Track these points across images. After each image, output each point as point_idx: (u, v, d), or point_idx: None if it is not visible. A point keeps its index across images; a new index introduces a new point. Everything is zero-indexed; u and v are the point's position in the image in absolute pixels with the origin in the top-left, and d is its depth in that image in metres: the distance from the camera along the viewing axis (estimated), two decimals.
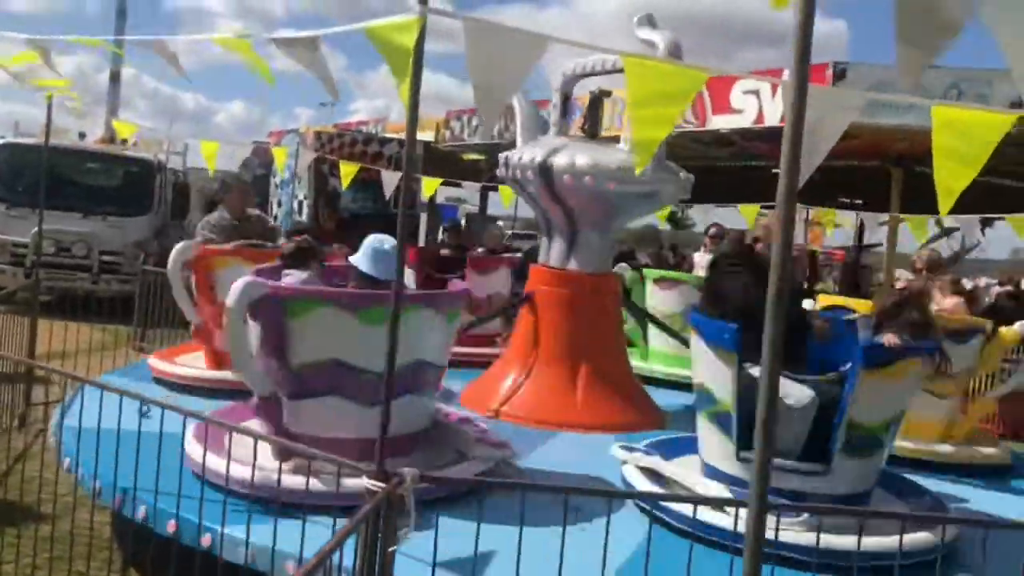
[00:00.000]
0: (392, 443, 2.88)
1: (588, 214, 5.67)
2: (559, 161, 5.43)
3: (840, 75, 8.78)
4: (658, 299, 7.39)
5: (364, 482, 2.71)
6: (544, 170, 5.50)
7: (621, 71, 5.82)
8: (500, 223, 27.97)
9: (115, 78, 23.19)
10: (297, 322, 3.72)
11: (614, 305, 6.06)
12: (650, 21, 5.52)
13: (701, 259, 9.13)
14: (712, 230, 9.70)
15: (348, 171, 8.89)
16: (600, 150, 5.56)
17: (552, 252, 5.94)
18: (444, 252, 8.98)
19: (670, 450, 4.37)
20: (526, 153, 5.67)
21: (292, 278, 4.32)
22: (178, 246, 6.09)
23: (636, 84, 2.69)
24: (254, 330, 3.83)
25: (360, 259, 4.11)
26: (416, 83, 2.75)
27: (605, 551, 2.64)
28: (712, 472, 3.95)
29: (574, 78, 6.09)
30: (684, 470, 4.10)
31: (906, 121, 8.18)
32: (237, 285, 3.69)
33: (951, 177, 2.49)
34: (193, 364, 5.89)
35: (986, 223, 11.63)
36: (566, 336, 5.68)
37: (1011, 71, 2.19)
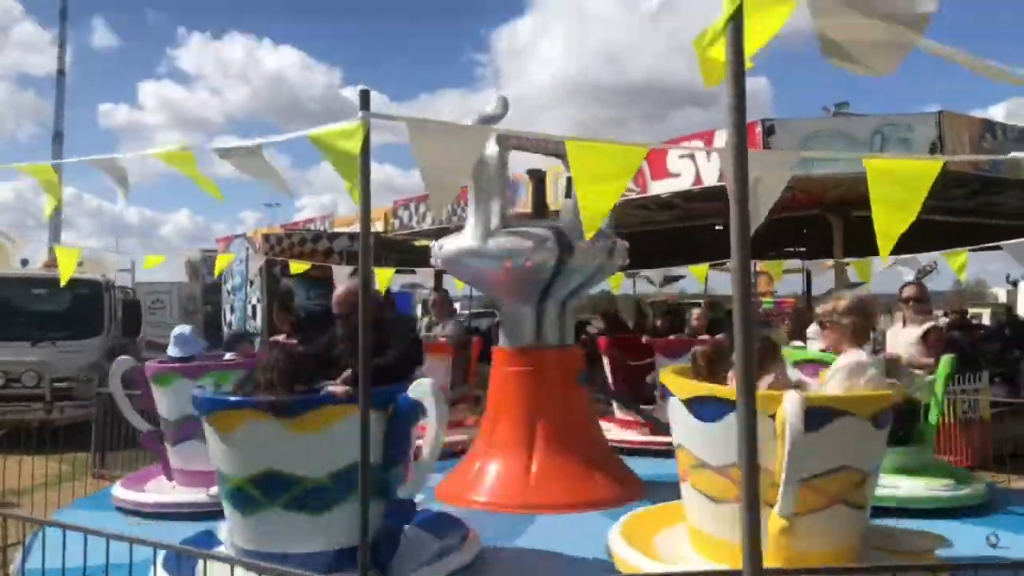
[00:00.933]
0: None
1: (524, 291, 5.78)
2: (489, 245, 5.60)
3: (769, 131, 9.10)
4: None
5: None
6: (478, 254, 5.65)
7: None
8: (456, 304, 28.01)
9: (56, 210, 22.94)
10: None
11: (573, 375, 6.06)
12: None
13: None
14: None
15: (297, 267, 8.90)
16: (531, 230, 5.67)
17: (503, 331, 6.03)
18: None
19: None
20: (448, 243, 5.87)
21: None
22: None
23: (579, 163, 2.78)
24: None
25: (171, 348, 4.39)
26: (366, 184, 2.80)
27: None
28: None
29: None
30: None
31: (837, 170, 8.50)
32: None
33: (888, 223, 2.60)
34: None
35: None
36: (521, 414, 5.70)
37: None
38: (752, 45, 1.86)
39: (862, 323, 4.09)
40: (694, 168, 9.80)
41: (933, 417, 5.45)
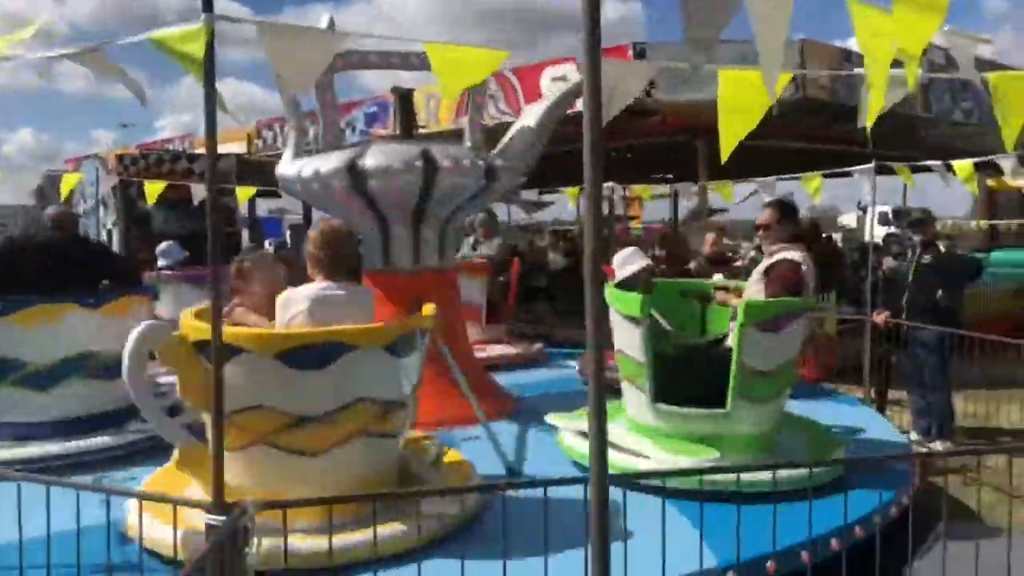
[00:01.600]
0: None
1: (399, 212, 5.63)
2: (365, 162, 5.37)
3: (640, 54, 9.18)
4: None
5: (204, 518, 2.56)
6: (352, 172, 5.40)
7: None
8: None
9: None
10: None
11: (453, 298, 6.02)
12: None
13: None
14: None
15: (153, 189, 8.41)
16: (408, 147, 5.53)
17: (376, 255, 5.87)
18: None
19: None
20: (331, 161, 5.55)
21: None
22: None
23: (439, 64, 2.74)
24: None
25: None
26: (210, 92, 2.61)
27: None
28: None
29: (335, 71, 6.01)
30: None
31: (704, 96, 8.67)
32: None
33: (733, 130, 2.70)
34: None
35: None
36: None
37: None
38: None
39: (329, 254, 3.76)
40: None
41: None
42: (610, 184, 10.94)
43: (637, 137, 11.48)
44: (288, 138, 6.13)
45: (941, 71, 8.12)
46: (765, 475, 3.59)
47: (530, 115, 6.09)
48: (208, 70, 2.59)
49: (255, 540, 2.55)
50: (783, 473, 3.66)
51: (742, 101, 2.90)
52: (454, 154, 5.55)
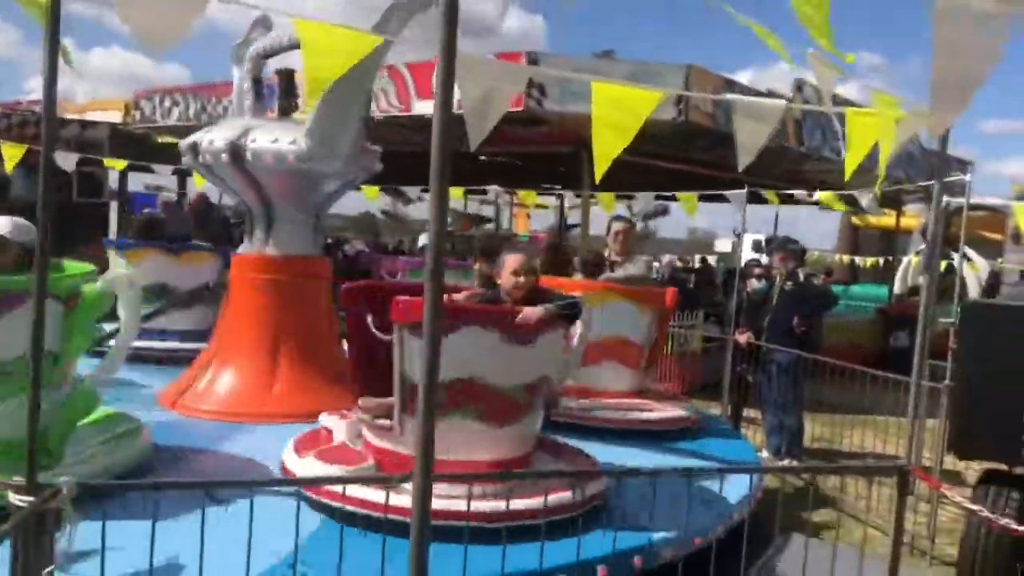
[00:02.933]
0: None
1: (281, 195, 5.48)
2: (249, 141, 5.19)
3: (533, 63, 9.22)
4: None
5: (10, 498, 2.36)
6: (235, 150, 5.23)
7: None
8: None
9: None
10: None
11: (320, 288, 5.88)
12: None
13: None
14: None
15: (12, 153, 7.86)
16: (289, 128, 5.37)
17: (253, 238, 5.68)
18: None
19: None
20: (216, 135, 5.36)
21: None
22: None
23: (311, 46, 2.62)
24: None
25: None
26: (52, 51, 2.42)
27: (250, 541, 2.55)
28: None
29: (260, 57, 5.84)
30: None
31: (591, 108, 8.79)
32: None
33: (606, 146, 2.70)
34: None
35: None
36: (264, 324, 5.44)
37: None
38: None
39: None
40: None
41: None
42: (495, 187, 10.96)
43: (525, 145, 11.54)
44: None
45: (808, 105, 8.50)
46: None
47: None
48: (52, 27, 2.40)
49: (68, 526, 2.38)
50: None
51: (615, 117, 2.90)
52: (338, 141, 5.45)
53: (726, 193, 8.43)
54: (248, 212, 5.74)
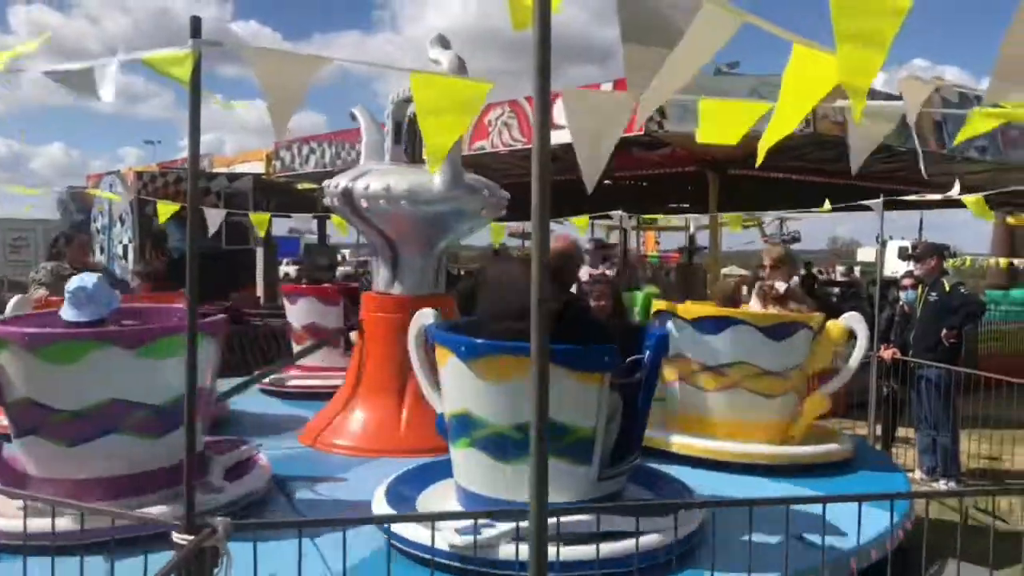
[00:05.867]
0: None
1: (401, 236, 5.68)
2: (358, 186, 5.43)
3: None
4: None
5: (173, 536, 2.57)
6: (346, 195, 5.49)
7: None
8: (346, 252, 27.59)
9: None
10: None
11: None
12: (441, 42, 5.56)
13: None
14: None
15: (166, 209, 8.52)
16: (401, 172, 5.55)
17: (379, 277, 5.91)
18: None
19: None
20: (340, 180, 5.63)
21: None
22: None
23: (423, 97, 2.72)
24: None
25: (65, 309, 4.09)
26: (195, 115, 2.66)
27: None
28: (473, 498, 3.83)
29: (403, 102, 6.02)
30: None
31: None
32: None
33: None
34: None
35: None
36: (391, 362, 5.61)
37: None
38: None
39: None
40: None
41: None
42: (619, 212, 10.94)
43: (649, 168, 11.48)
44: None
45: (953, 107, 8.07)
46: None
47: None
48: (194, 93, 2.64)
49: (224, 560, 2.55)
50: None
51: (720, 127, 2.91)
52: (476, 183, 5.64)
53: (864, 203, 8.09)
54: (375, 250, 5.97)
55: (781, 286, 5.60)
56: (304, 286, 8.63)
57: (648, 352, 3.88)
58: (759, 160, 3.34)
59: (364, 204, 5.43)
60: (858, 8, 2.04)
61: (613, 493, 3.81)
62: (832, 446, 5.46)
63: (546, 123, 1.78)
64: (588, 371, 3.57)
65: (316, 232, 18.50)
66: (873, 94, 8.13)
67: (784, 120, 3.11)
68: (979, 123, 2.93)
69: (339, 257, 22.06)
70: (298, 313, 7.87)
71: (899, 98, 3.21)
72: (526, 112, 10.75)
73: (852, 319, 5.53)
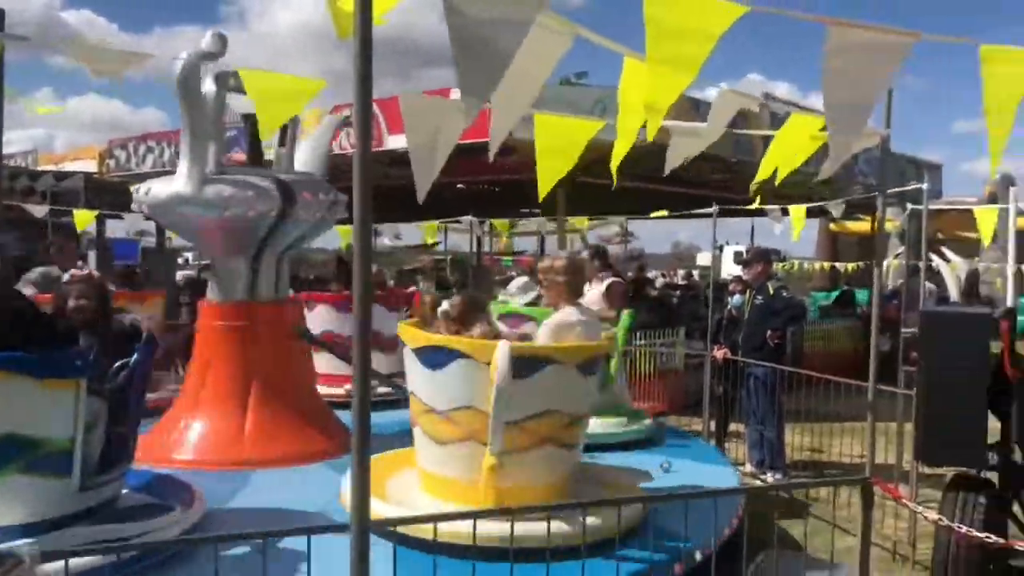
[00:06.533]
0: None
1: (201, 242, 5.53)
2: (140, 192, 5.30)
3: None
4: None
5: None
6: (139, 202, 5.34)
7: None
8: (188, 255, 26.40)
9: None
10: None
11: (285, 332, 5.86)
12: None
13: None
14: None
15: None
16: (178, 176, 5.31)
17: (215, 285, 5.71)
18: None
19: None
20: (154, 187, 5.38)
21: None
22: None
23: (255, 90, 2.68)
24: None
25: None
26: None
27: None
28: None
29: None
30: None
31: None
32: None
33: (549, 172, 2.82)
34: None
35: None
36: (236, 372, 5.45)
37: None
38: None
39: (575, 281, 4.34)
40: None
41: (613, 366, 5.87)
42: (469, 217, 11.02)
43: (499, 174, 11.62)
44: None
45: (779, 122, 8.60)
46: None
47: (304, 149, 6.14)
48: None
49: None
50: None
51: (557, 144, 3.01)
52: (312, 186, 5.50)
53: (699, 211, 8.52)
54: (210, 259, 5.79)
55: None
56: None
57: (136, 356, 3.80)
58: (615, 179, 3.49)
59: (145, 211, 5.35)
60: (673, 32, 2.15)
61: (107, 500, 3.71)
62: None
63: (368, 132, 1.77)
64: (59, 378, 3.34)
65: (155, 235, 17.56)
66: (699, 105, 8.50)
67: (625, 132, 3.26)
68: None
69: (180, 260, 21.09)
70: None
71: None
72: (375, 114, 10.66)
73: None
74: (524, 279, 5.30)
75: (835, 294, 17.12)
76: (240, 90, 5.71)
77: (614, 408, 5.98)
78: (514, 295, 4.91)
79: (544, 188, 3.03)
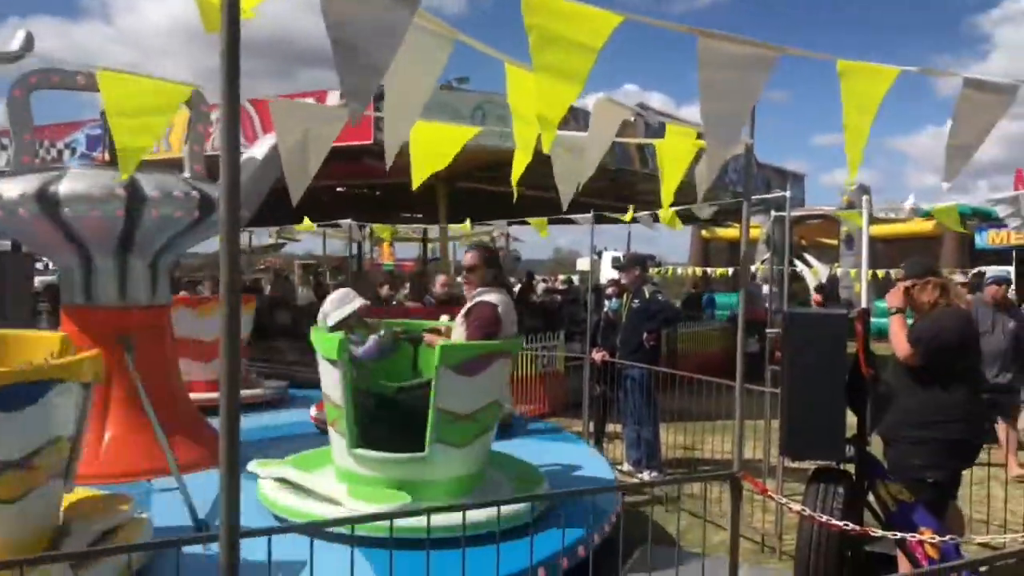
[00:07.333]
0: None
1: (102, 245, 5.25)
2: (61, 189, 4.96)
3: (379, 97, 9.21)
4: None
5: None
6: (45, 200, 4.97)
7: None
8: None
9: None
10: None
11: (155, 338, 5.62)
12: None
13: None
14: None
15: None
16: (106, 175, 5.14)
17: (76, 288, 5.40)
18: None
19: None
20: (21, 185, 5.03)
21: None
22: None
23: (112, 98, 2.53)
24: None
25: None
26: None
27: None
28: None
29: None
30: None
31: None
32: None
33: (420, 176, 2.87)
34: None
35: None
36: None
37: None
38: None
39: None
40: None
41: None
42: (348, 221, 10.87)
43: (382, 177, 11.51)
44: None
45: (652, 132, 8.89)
46: (456, 518, 3.27)
47: (261, 146, 5.93)
48: None
49: None
50: (481, 514, 3.68)
51: (432, 150, 3.02)
52: (164, 184, 5.25)
53: (574, 217, 8.67)
54: (65, 262, 5.48)
55: None
56: None
57: None
58: (515, 189, 3.52)
59: (68, 210, 5.01)
60: (555, 42, 2.18)
61: None
62: None
63: (235, 135, 1.71)
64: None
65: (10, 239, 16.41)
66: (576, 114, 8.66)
67: (523, 144, 3.28)
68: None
69: (39, 266, 19.82)
70: None
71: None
72: (249, 114, 10.37)
73: None
74: (344, 291, 5.15)
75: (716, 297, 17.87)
76: (94, 88, 5.48)
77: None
78: (329, 312, 4.79)
79: (417, 181, 3.07)
